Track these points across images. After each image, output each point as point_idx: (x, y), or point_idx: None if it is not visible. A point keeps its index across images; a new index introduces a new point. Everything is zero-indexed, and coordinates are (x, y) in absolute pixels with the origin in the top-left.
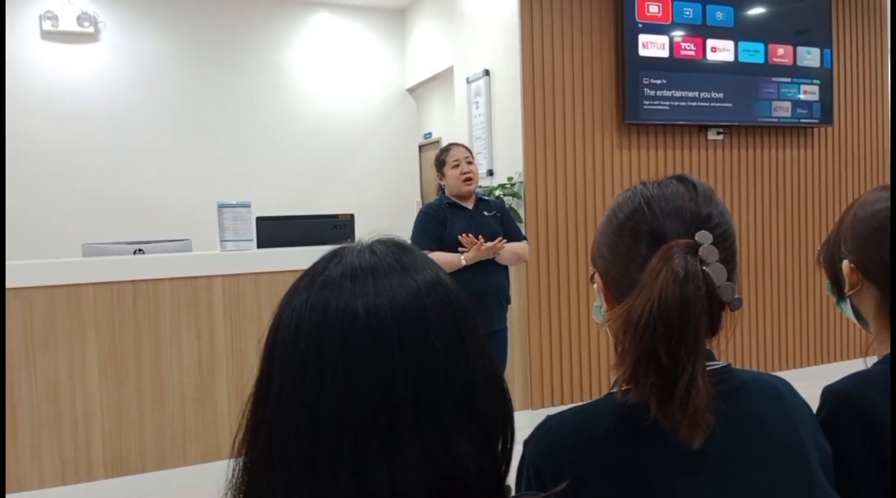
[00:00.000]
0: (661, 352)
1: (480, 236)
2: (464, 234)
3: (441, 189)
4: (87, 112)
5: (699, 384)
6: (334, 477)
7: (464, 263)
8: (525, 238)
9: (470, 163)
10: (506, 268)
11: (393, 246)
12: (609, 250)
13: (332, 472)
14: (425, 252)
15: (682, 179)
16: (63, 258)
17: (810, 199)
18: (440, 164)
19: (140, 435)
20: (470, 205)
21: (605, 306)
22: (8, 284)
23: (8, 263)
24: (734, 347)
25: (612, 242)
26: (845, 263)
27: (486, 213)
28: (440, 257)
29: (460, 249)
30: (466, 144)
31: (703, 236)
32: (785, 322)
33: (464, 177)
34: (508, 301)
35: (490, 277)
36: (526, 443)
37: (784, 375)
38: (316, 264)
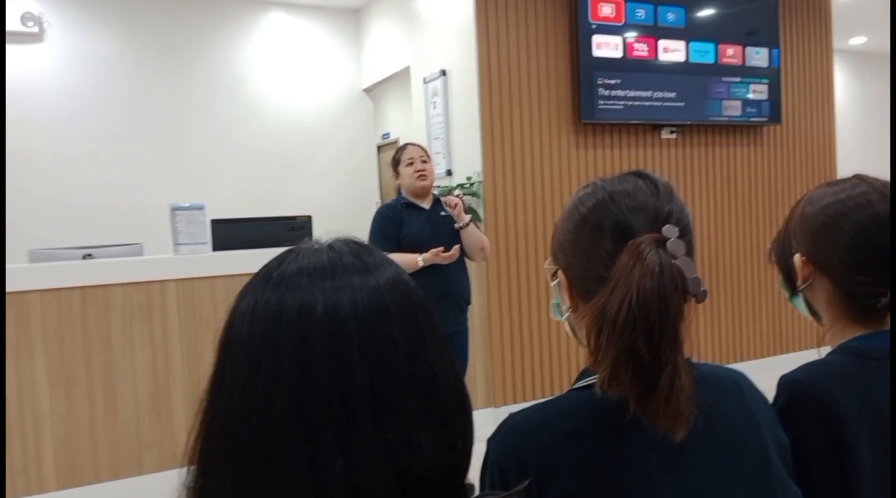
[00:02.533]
0: (641, 348)
1: (442, 248)
2: (434, 250)
3: (399, 189)
4: (32, 114)
5: (682, 377)
6: (287, 471)
7: (421, 263)
8: (485, 236)
9: (424, 161)
10: (465, 270)
11: (353, 244)
12: (571, 246)
13: (285, 465)
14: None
15: (641, 175)
16: (9, 265)
17: (761, 196)
18: (395, 163)
19: (93, 445)
20: (427, 205)
21: (565, 304)
22: None
23: None
24: (693, 340)
25: (574, 237)
26: (797, 257)
27: (442, 213)
28: (397, 258)
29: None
30: (423, 145)
31: (670, 230)
32: (739, 315)
33: (417, 174)
34: (468, 302)
35: (449, 278)
36: (489, 441)
37: (740, 366)
38: (271, 262)
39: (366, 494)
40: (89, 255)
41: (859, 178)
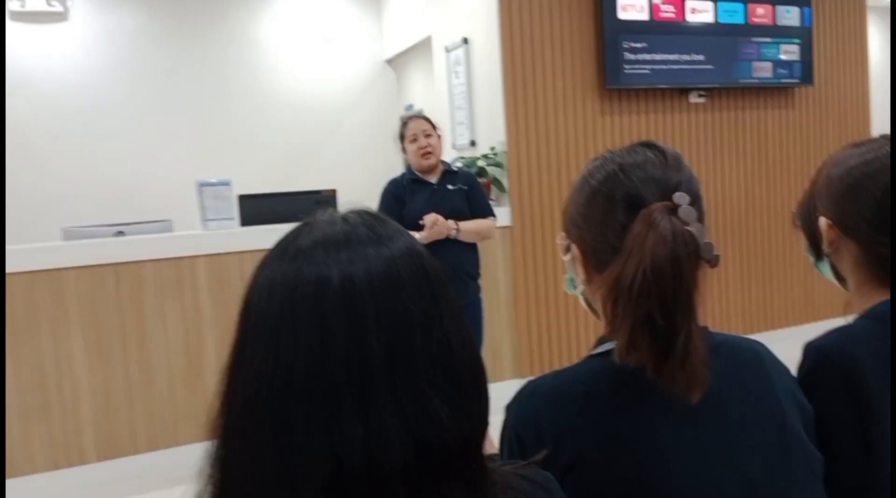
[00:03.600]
0: (656, 314)
1: (438, 216)
2: (426, 217)
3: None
4: (61, 94)
5: (696, 341)
6: (307, 437)
7: (419, 236)
8: (492, 215)
9: (428, 136)
10: (471, 244)
11: (367, 215)
12: (583, 218)
13: (305, 432)
14: None
15: (649, 145)
16: (43, 242)
17: (793, 159)
18: (400, 137)
19: (130, 417)
20: (434, 179)
21: (579, 277)
22: None
23: None
24: (720, 310)
25: (585, 210)
26: (822, 221)
27: (450, 186)
28: None
29: (422, 223)
30: (427, 116)
31: (681, 197)
32: (770, 282)
33: (422, 152)
34: (473, 276)
35: (449, 252)
36: (507, 408)
37: (771, 335)
38: (286, 235)
39: (384, 460)
40: (121, 232)
41: (885, 139)
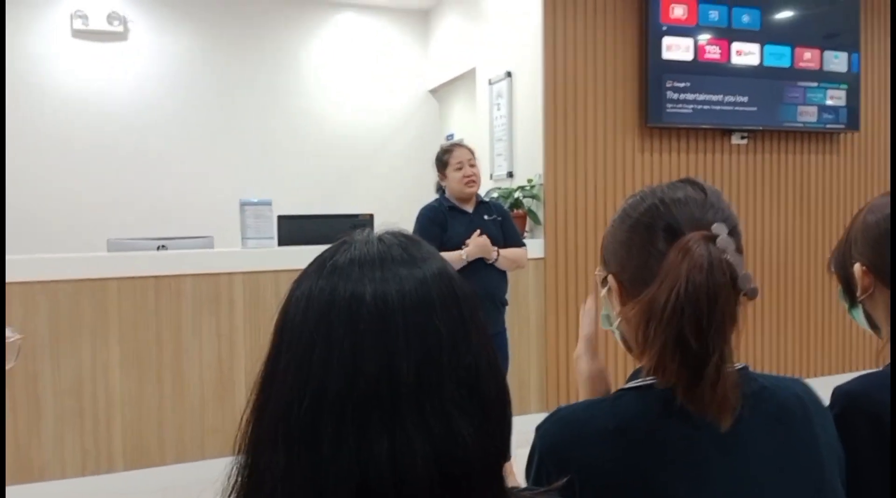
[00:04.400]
0: (689, 336)
1: (481, 231)
2: (473, 236)
3: (440, 189)
4: (115, 110)
5: (728, 365)
6: (336, 451)
7: (465, 258)
8: (524, 245)
9: (473, 166)
10: (502, 271)
11: (401, 237)
12: (624, 248)
13: (334, 445)
14: None
15: (690, 182)
16: (89, 253)
17: (836, 206)
18: (442, 164)
19: (160, 428)
20: (470, 208)
21: (615, 310)
22: (35, 277)
23: (35, 256)
24: (757, 352)
25: (626, 239)
26: (857, 267)
27: (486, 216)
28: (445, 256)
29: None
30: (471, 147)
31: (719, 228)
32: (807, 330)
33: (466, 180)
34: (504, 304)
35: (485, 279)
36: (537, 429)
37: (810, 383)
38: (325, 252)
39: (409, 476)
40: (163, 246)
41: None
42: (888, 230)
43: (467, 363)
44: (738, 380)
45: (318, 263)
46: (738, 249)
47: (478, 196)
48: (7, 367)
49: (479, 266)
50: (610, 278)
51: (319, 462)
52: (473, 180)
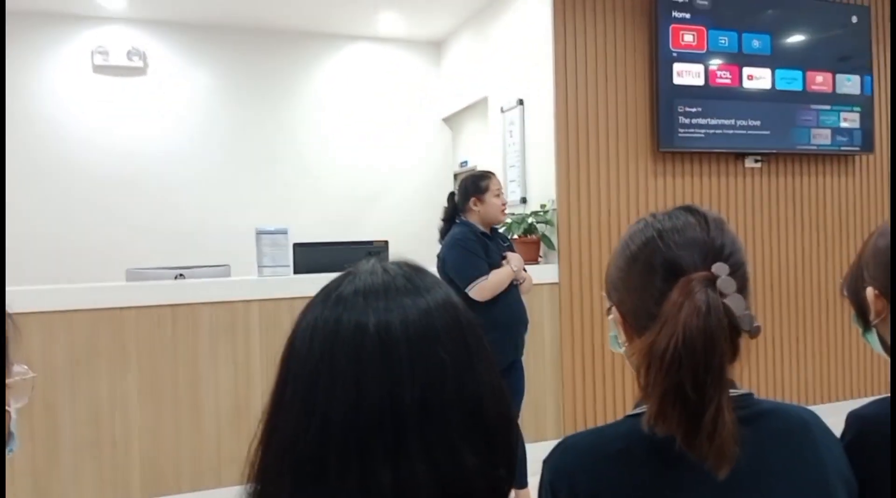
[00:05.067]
0: (687, 386)
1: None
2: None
3: (452, 216)
4: (134, 142)
5: (725, 416)
6: (340, 481)
7: (514, 268)
8: None
9: (503, 193)
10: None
11: (406, 267)
12: (623, 283)
13: (339, 476)
14: (482, 277)
15: (691, 210)
16: (107, 283)
17: (851, 229)
18: (480, 190)
19: (176, 457)
20: (491, 235)
21: (621, 337)
22: (53, 307)
23: (54, 286)
24: (776, 377)
25: (625, 275)
26: (869, 291)
27: (502, 242)
28: (499, 275)
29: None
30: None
31: (720, 268)
32: (826, 354)
33: (503, 207)
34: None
35: (517, 306)
36: (545, 461)
37: (825, 408)
38: (331, 283)
39: None
40: (181, 275)
41: None
42: None
43: (471, 392)
44: (736, 429)
45: (324, 293)
46: (742, 285)
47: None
48: (19, 405)
49: (510, 292)
50: (613, 309)
51: (324, 493)
52: (505, 208)
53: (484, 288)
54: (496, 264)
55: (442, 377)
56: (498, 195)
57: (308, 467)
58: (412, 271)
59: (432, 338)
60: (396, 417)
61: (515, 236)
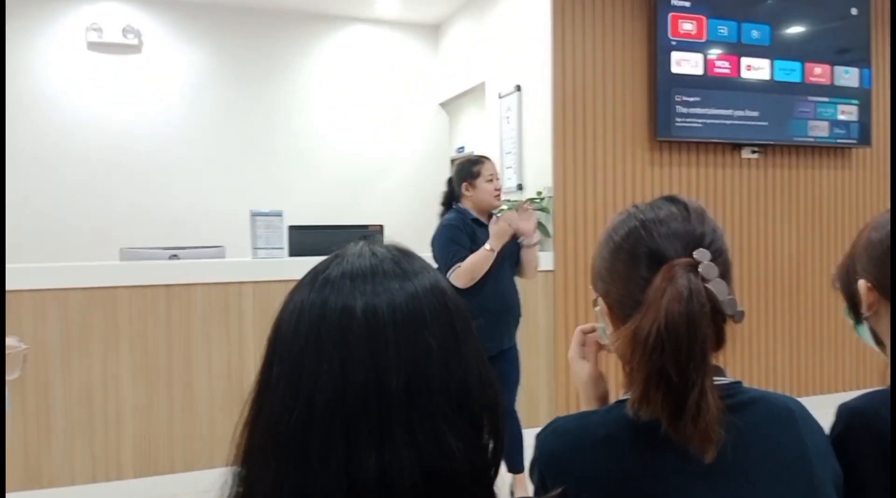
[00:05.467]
0: (670, 369)
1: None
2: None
3: (450, 202)
4: (128, 121)
5: (709, 399)
6: (324, 463)
7: (488, 248)
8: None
9: (498, 179)
10: (516, 285)
11: (394, 250)
12: (608, 273)
13: (322, 458)
14: (458, 263)
15: (673, 200)
16: (101, 262)
17: (847, 221)
18: (472, 175)
19: (169, 437)
20: (486, 221)
21: (609, 328)
22: (46, 286)
23: (46, 265)
24: (769, 368)
25: (610, 265)
26: (861, 283)
27: None
28: (474, 260)
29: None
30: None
31: (702, 254)
32: (822, 346)
33: (497, 193)
34: (519, 319)
35: (505, 293)
36: (536, 438)
37: (820, 399)
38: (318, 265)
39: (396, 491)
40: (175, 255)
41: None
42: (891, 247)
43: (458, 377)
44: (720, 412)
45: (311, 275)
46: (724, 271)
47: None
48: (12, 377)
49: (500, 279)
50: (600, 300)
51: (308, 475)
52: (499, 194)
53: (460, 274)
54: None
55: (428, 362)
56: (490, 180)
57: (292, 450)
58: (401, 255)
59: (419, 322)
60: (382, 400)
61: None
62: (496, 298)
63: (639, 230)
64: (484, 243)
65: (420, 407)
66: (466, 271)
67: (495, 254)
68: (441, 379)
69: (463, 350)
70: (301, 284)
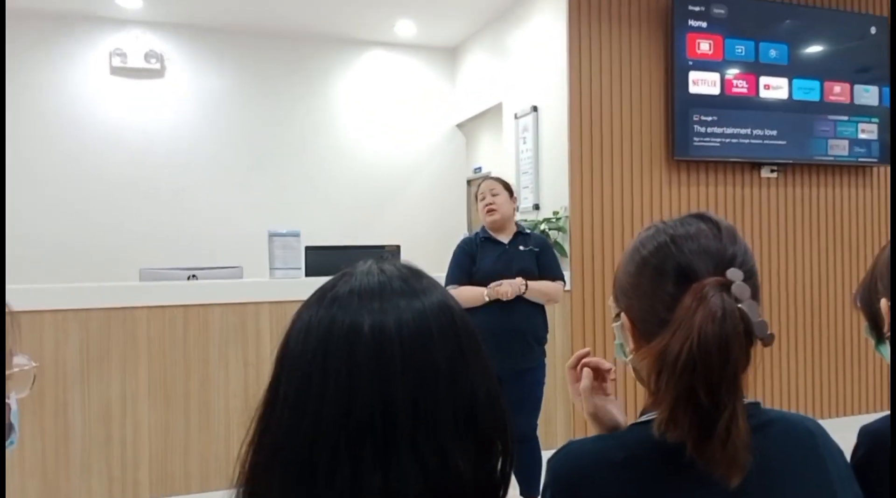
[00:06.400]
0: (700, 391)
1: (505, 281)
2: (492, 284)
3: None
4: (150, 144)
5: (739, 423)
6: (330, 482)
7: (486, 298)
8: (562, 279)
9: (495, 195)
10: (539, 307)
11: (403, 268)
12: (633, 288)
13: (328, 477)
14: (453, 286)
15: (703, 218)
16: (120, 282)
17: (868, 239)
18: (475, 197)
19: (185, 457)
20: (506, 239)
21: (628, 345)
22: (66, 306)
23: (67, 285)
24: (791, 389)
25: (635, 279)
26: (883, 302)
27: (521, 247)
28: (464, 292)
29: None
30: (500, 177)
31: (735, 274)
32: (844, 368)
33: (486, 208)
34: (540, 341)
35: (514, 315)
36: (548, 462)
37: (841, 422)
38: (327, 283)
39: None
40: (194, 275)
41: None
42: None
43: (465, 395)
44: (748, 438)
45: (319, 293)
46: (755, 293)
47: (519, 226)
48: (21, 396)
49: (512, 302)
50: (622, 315)
51: (314, 494)
52: (493, 209)
53: (455, 295)
54: (486, 268)
55: (434, 378)
56: (482, 199)
57: (298, 467)
58: (409, 273)
59: (426, 340)
60: (388, 417)
61: None
62: (500, 318)
63: (668, 245)
64: (487, 260)
65: (426, 425)
66: (458, 298)
67: (488, 300)
68: (447, 395)
69: (470, 368)
70: (309, 302)
